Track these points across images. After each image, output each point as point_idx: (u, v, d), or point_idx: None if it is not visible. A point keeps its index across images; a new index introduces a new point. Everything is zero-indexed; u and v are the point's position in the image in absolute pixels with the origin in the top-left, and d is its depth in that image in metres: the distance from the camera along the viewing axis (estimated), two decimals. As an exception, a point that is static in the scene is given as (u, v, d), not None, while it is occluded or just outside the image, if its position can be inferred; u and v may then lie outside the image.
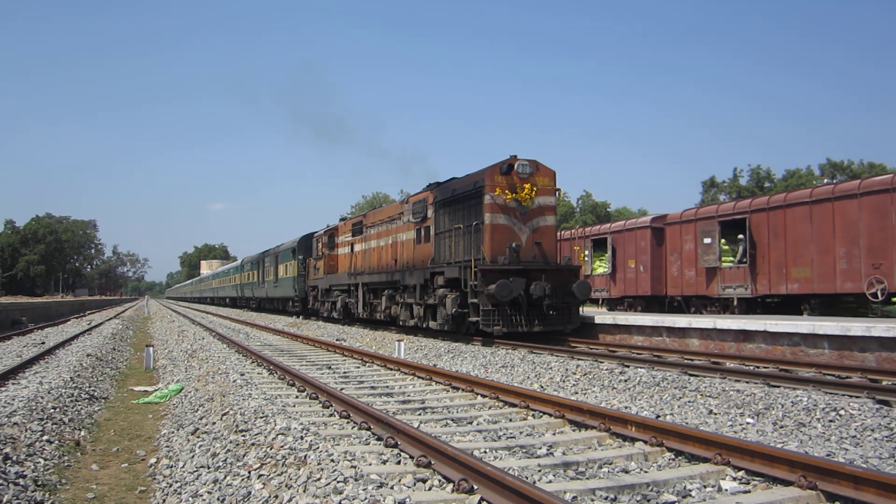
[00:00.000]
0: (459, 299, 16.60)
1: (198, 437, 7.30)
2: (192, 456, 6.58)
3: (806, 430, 7.15)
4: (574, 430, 7.20)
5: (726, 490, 5.11)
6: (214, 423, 7.67)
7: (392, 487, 5.07)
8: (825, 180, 54.20)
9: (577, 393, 9.98)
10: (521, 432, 7.15)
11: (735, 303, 21.26)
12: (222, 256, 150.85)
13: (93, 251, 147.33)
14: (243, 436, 6.73)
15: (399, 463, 5.84)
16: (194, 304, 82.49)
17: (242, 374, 11.43)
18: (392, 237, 22.17)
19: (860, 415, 7.28)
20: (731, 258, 22.14)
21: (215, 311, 53.87)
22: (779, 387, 9.04)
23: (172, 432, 7.90)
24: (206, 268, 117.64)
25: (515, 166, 16.54)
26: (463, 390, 9.68)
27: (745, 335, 13.94)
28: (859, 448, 6.37)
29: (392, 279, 21.00)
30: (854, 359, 11.61)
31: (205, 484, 5.59)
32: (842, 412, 7.42)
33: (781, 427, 7.34)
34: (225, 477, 5.67)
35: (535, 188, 16.74)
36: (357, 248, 25.77)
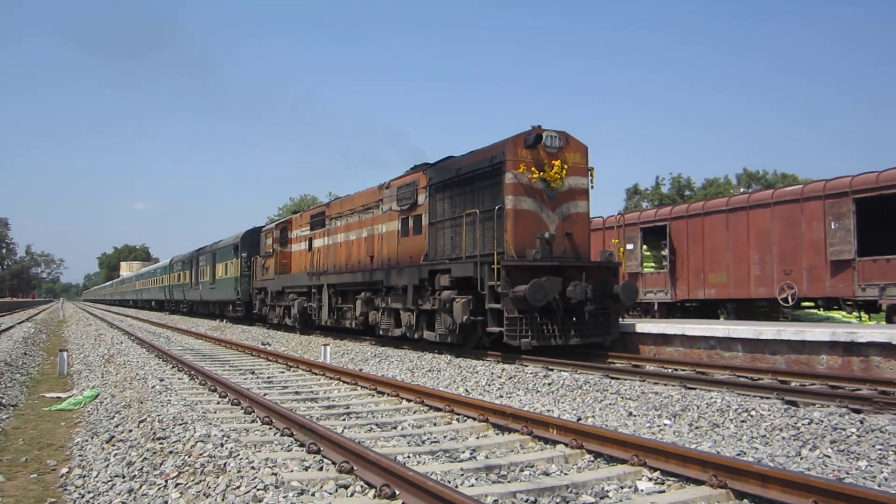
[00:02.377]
0: (473, 304, 13.36)
1: (113, 445, 7.06)
2: (107, 465, 6.36)
3: (720, 430, 7.40)
4: (497, 434, 7.28)
5: (642, 490, 5.26)
6: (131, 431, 7.44)
7: (313, 494, 5.02)
8: (741, 189, 56.34)
9: (501, 397, 10.08)
10: (444, 436, 7.18)
11: (656, 307, 21.88)
12: (143, 258, 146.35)
13: (3, 251, 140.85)
14: (161, 443, 6.55)
15: (321, 469, 5.79)
16: (114, 308, 79.44)
17: (162, 380, 11.13)
18: (367, 229, 18.84)
19: (770, 415, 7.57)
20: (654, 264, 22.79)
21: (136, 314, 52.00)
22: (695, 389, 9.34)
23: (86, 441, 7.62)
24: (127, 269, 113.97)
25: (544, 138, 13.62)
26: (388, 395, 9.66)
27: (664, 339, 14.34)
28: (768, 447, 6.63)
29: (371, 279, 17.60)
30: (765, 361, 12.09)
31: (119, 494, 5.41)
32: (753, 413, 7.71)
33: (697, 428, 7.58)
34: (140, 486, 5.50)
35: (565, 166, 13.78)
36: (318, 243, 22.22)
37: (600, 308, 13.48)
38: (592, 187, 14.33)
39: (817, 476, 5.28)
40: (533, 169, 13.49)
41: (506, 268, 12.68)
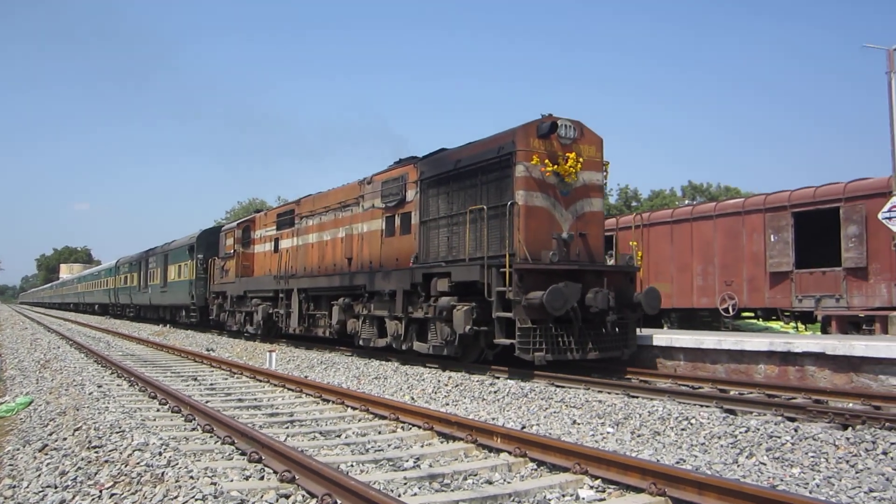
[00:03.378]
0: (476, 312, 12.04)
1: (46, 454, 6.84)
2: (39, 475, 6.15)
3: (661, 438, 7.52)
4: (442, 442, 7.27)
5: (583, 498, 5.31)
6: (66, 439, 7.22)
7: (253, 504, 4.94)
8: (686, 201, 57.59)
9: (447, 405, 10.08)
10: (389, 445, 7.15)
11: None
12: (85, 260, 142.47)
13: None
14: (97, 452, 6.37)
15: (262, 478, 5.71)
16: (53, 311, 76.84)
17: (100, 386, 10.85)
18: (345, 229, 17.26)
19: (709, 423, 7.73)
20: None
21: (75, 318, 50.48)
22: (637, 397, 9.48)
23: (17, 449, 7.35)
24: (67, 271, 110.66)
25: (559, 127, 12.33)
26: (333, 402, 9.58)
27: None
28: (707, 455, 6.77)
29: (351, 284, 16.06)
30: (706, 370, 12.34)
31: (50, 505, 5.25)
32: (693, 421, 7.86)
33: (639, 436, 7.69)
34: (73, 497, 5.34)
35: (580, 159, 12.50)
36: (286, 244, 20.48)
37: (620, 318, 12.28)
38: (606, 184, 13.45)
39: (752, 483, 5.41)
40: (546, 161, 12.17)
41: (518, 271, 11.40)
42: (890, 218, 14.30)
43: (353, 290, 16.09)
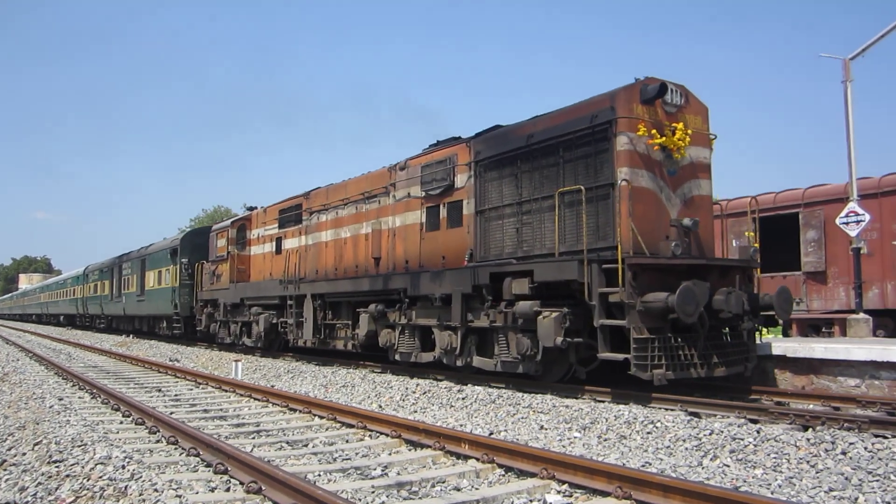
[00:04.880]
0: (570, 319, 9.92)
1: (4, 469, 6.68)
2: (-3, 491, 6.03)
3: (627, 442, 7.59)
4: (410, 450, 7.27)
5: (551, 503, 5.34)
6: (25, 454, 7.07)
7: (219, 516, 4.88)
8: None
9: (416, 412, 10.07)
10: (356, 453, 7.12)
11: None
12: (44, 270, 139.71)
13: None
14: (57, 467, 6.25)
15: (228, 490, 5.66)
16: (11, 322, 74.44)
17: (61, 399, 10.63)
18: (371, 224, 14.86)
19: (674, 426, 7.82)
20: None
21: (35, 329, 49.24)
22: (604, 402, 9.56)
23: (-26, 465, 7.20)
24: (26, 281, 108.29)
25: (667, 91, 10.27)
26: (300, 412, 9.51)
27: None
28: (672, 457, 6.85)
29: (385, 287, 13.64)
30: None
31: (9, 522, 5.14)
32: (658, 424, 7.94)
33: (605, 440, 7.75)
34: (33, 513, 5.24)
35: (688, 131, 10.43)
36: (292, 243, 18.00)
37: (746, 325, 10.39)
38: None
39: (715, 485, 5.49)
40: (654, 132, 10.10)
41: (632, 267, 9.33)
42: (847, 223, 14.63)
43: (386, 295, 13.71)
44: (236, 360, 15.36)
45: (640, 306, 9.24)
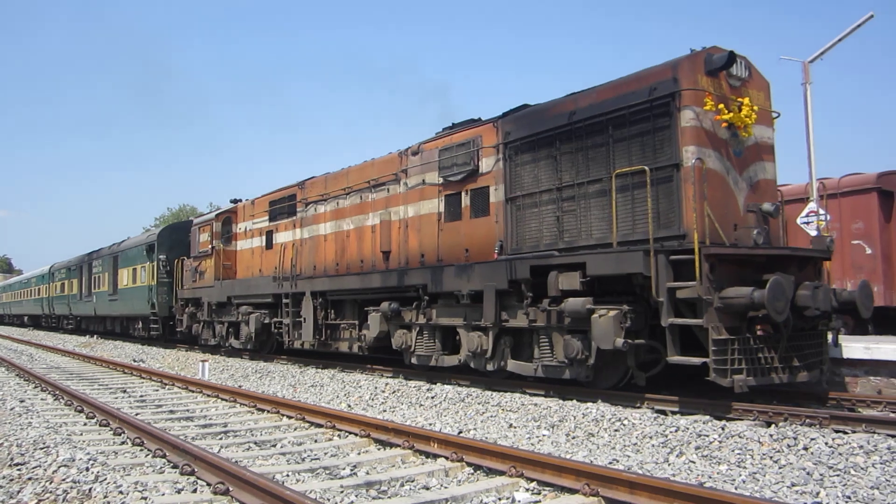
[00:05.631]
0: (632, 320, 8.87)
1: (-36, 473, 6.56)
2: (-44, 495, 5.90)
3: (594, 439, 7.66)
4: (379, 449, 7.26)
5: (519, 501, 5.37)
6: (-15, 457, 6.94)
7: (186, 518, 4.83)
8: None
9: (385, 411, 10.06)
10: (325, 453, 7.10)
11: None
12: (4, 269, 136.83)
13: None
14: (19, 470, 6.14)
15: (195, 491, 5.61)
16: None
17: (22, 401, 10.46)
18: (377, 214, 13.62)
19: (641, 424, 7.90)
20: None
21: (-5, 330, 48.26)
22: (572, 399, 9.63)
23: (-67, 469, 7.04)
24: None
25: (735, 61, 9.25)
26: (269, 412, 9.46)
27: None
28: (639, 454, 6.93)
29: (399, 283, 12.45)
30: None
31: (-31, 526, 5.04)
32: (625, 422, 8.02)
33: (574, 438, 7.81)
34: (-6, 517, 5.14)
35: (753, 107, 9.38)
36: (285, 237, 16.64)
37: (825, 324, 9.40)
38: None
39: (680, 481, 5.56)
40: (721, 106, 9.05)
41: (709, 259, 8.25)
42: (808, 223, 14.88)
43: (402, 292, 12.53)
44: (203, 361, 15.19)
45: (718, 303, 8.18)
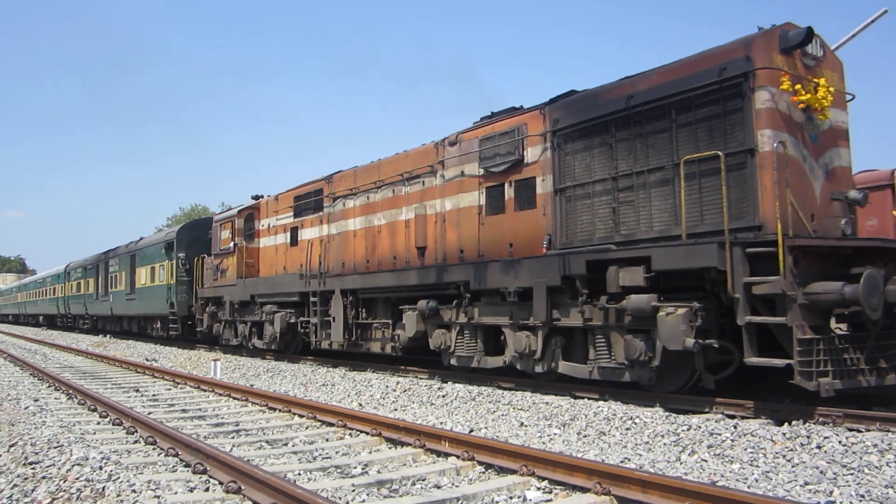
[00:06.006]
0: (702, 318, 8.20)
1: (-21, 472, 6.61)
2: (-28, 493, 5.95)
3: (606, 438, 7.64)
4: (390, 448, 7.27)
5: (531, 500, 5.36)
6: (0, 456, 7.00)
7: (198, 516, 4.85)
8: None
9: (396, 410, 10.07)
10: (337, 452, 7.11)
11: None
12: (18, 270, 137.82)
13: None
14: (33, 468, 6.18)
15: (207, 490, 5.63)
16: None
17: (36, 400, 10.53)
18: (412, 209, 13.06)
19: (652, 422, 7.87)
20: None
21: (9, 329, 48.47)
22: (583, 398, 9.61)
23: (-52, 468, 7.10)
24: (0, 282, 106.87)
25: (813, 38, 8.58)
26: (280, 411, 9.48)
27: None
28: (651, 453, 6.90)
29: (438, 280, 11.81)
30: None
31: (-16, 525, 5.08)
32: (637, 420, 8.00)
33: (585, 436, 7.80)
34: (9, 515, 5.18)
35: (829, 89, 8.70)
36: (311, 233, 16.07)
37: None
38: None
39: (693, 480, 5.54)
40: (798, 87, 8.39)
41: (793, 251, 7.61)
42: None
43: (441, 289, 11.88)
44: (215, 360, 15.25)
45: (802, 299, 7.54)
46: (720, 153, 8.26)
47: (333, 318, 14.51)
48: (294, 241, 16.82)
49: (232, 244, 19.18)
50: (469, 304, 11.34)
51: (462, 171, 12.04)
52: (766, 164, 8.05)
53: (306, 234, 16.35)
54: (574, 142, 10.22)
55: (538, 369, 10.18)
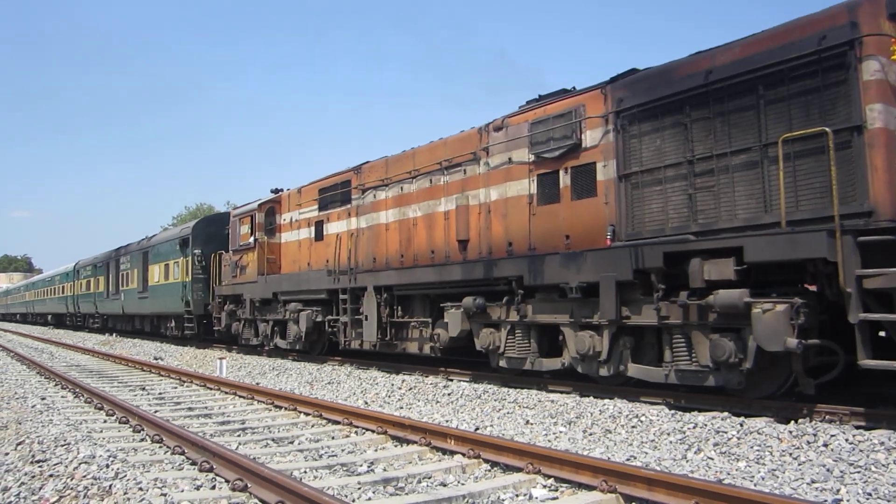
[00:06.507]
0: (805, 315, 7.31)
1: (-14, 469, 6.64)
2: (-21, 491, 5.98)
3: (612, 436, 7.63)
4: (396, 446, 7.29)
5: (536, 498, 5.37)
6: (7, 454, 7.01)
7: (205, 514, 4.87)
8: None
9: (402, 408, 10.08)
10: (342, 450, 7.13)
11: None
12: (25, 269, 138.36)
13: None
14: (41, 466, 6.20)
15: (214, 488, 5.65)
16: None
17: (43, 399, 10.58)
18: (452, 199, 12.14)
19: (658, 420, 7.86)
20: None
21: (16, 328, 48.59)
22: (588, 396, 9.59)
23: (-44, 466, 7.13)
24: (6, 281, 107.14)
25: None
26: (286, 409, 9.50)
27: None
28: (657, 451, 6.89)
29: (486, 275, 10.95)
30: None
31: (-8, 522, 5.10)
32: (643, 418, 7.99)
33: (591, 434, 7.79)
34: (16, 513, 5.20)
35: None
36: (338, 227, 15.29)
37: None
38: None
39: (699, 478, 5.53)
40: None
41: None
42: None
43: (489, 285, 11.07)
44: (221, 359, 15.28)
45: None
46: (828, 130, 7.33)
47: (366, 317, 13.67)
48: (319, 235, 16.11)
49: (252, 239, 18.36)
50: (523, 301, 10.46)
51: (510, 158, 11.18)
52: (876, 142, 7.18)
53: (332, 227, 15.60)
54: (641, 123, 9.33)
55: (603, 372, 9.35)
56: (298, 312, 15.87)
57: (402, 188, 13.53)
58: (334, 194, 15.65)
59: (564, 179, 10.28)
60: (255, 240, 18.08)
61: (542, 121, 10.63)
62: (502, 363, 10.92)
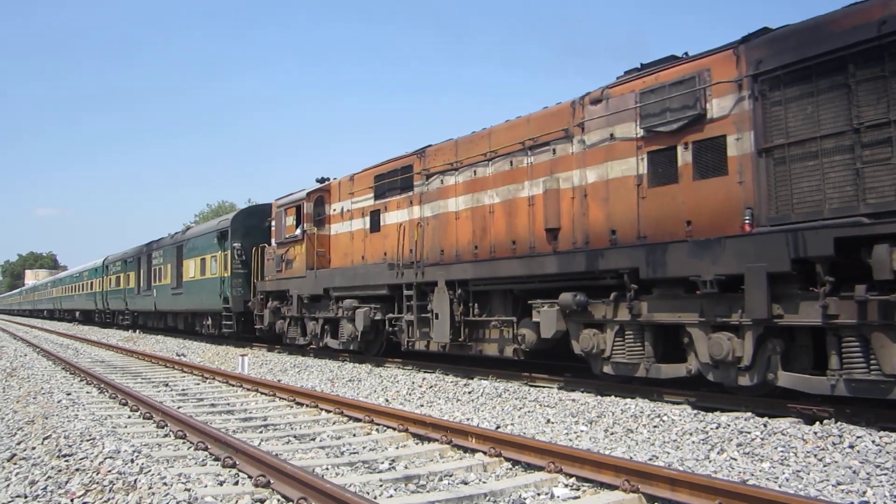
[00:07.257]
0: None
1: (14, 463, 6.73)
2: (8, 485, 6.05)
3: (633, 435, 7.60)
4: (417, 444, 7.30)
5: (558, 497, 5.36)
6: (34, 448, 7.11)
7: (228, 510, 4.90)
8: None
9: (422, 406, 10.09)
10: (364, 447, 7.15)
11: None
12: (50, 266, 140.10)
13: None
14: (67, 461, 6.29)
15: (237, 483, 5.69)
16: (20, 318, 72.28)
17: (69, 394, 10.70)
18: (538, 182, 10.84)
19: (681, 420, 7.81)
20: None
21: (42, 325, 49.04)
22: (610, 395, 9.55)
23: (-15, 460, 7.24)
24: (32, 277, 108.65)
25: None
26: (307, 406, 9.56)
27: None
28: (679, 451, 6.85)
29: (589, 267, 9.60)
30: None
31: (20, 515, 5.17)
32: (665, 418, 7.94)
33: (612, 434, 7.76)
34: (44, 506, 5.27)
35: None
36: (398, 216, 13.97)
37: None
38: None
39: (723, 478, 5.50)
40: None
41: None
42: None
43: (591, 279, 9.77)
44: (242, 356, 15.41)
45: None
46: None
47: (436, 315, 12.28)
48: (375, 226, 14.74)
49: (299, 231, 17.04)
50: (636, 298, 9.10)
51: (611, 134, 9.77)
52: None
53: (391, 217, 14.22)
54: (788, 87, 7.89)
55: (744, 381, 7.98)
56: (354, 310, 14.55)
57: (475, 172, 12.17)
58: (393, 181, 14.30)
59: (684, 156, 8.88)
60: (304, 231, 16.79)
61: (655, 89, 9.22)
62: (608, 369, 9.58)
